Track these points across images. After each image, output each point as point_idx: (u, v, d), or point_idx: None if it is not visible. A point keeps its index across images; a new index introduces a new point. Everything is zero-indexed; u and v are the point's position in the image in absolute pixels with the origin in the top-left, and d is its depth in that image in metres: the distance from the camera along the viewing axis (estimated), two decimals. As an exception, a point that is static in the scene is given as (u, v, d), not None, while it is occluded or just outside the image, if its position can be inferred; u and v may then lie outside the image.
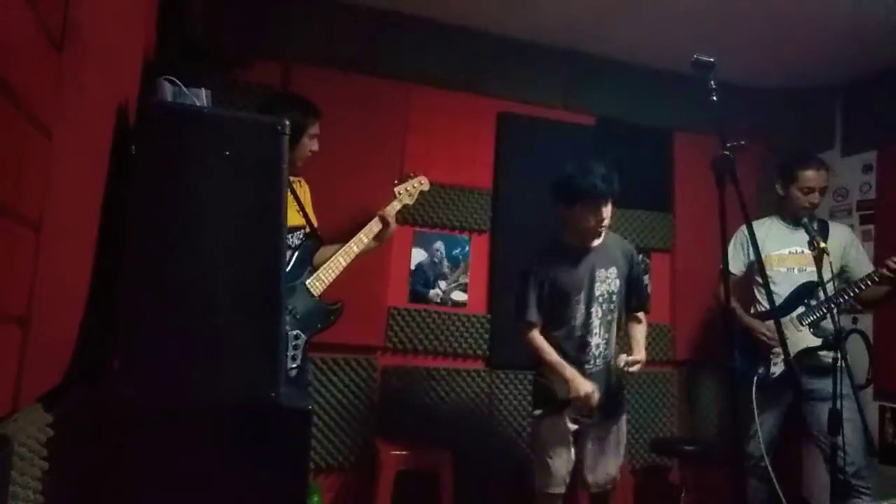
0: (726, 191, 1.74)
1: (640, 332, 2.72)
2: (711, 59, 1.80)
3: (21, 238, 0.95)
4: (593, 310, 2.56)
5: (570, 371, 2.49)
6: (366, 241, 2.63)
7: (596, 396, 2.46)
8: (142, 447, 1.39)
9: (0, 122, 0.83)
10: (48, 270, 1.05)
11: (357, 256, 2.60)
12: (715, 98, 1.79)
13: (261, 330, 1.49)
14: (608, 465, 2.64)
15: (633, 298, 2.69)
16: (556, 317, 2.59)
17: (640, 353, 2.61)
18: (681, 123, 3.92)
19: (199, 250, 1.46)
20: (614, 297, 2.60)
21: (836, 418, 2.28)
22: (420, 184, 2.90)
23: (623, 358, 2.55)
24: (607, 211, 2.52)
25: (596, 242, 2.62)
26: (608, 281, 2.59)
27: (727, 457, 3.55)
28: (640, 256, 3.12)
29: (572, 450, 2.58)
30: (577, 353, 2.55)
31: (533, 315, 2.58)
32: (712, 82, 1.79)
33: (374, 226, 2.66)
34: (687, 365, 3.91)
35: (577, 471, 2.64)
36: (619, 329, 2.68)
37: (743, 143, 1.79)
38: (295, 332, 2.38)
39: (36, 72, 0.94)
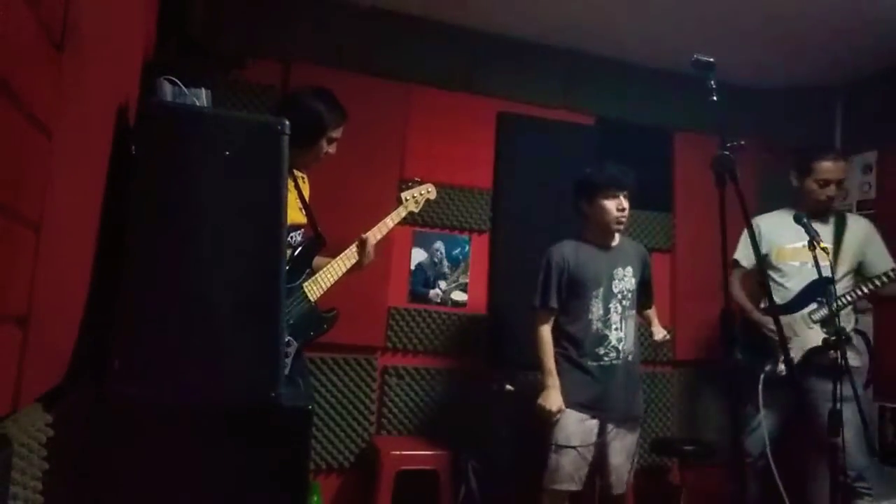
0: (726, 191, 1.74)
1: (652, 312, 2.95)
2: (711, 59, 1.80)
3: (21, 238, 0.95)
4: (612, 305, 2.64)
5: (552, 382, 2.60)
6: (376, 239, 2.53)
7: (555, 418, 2.57)
8: (142, 447, 1.39)
9: (0, 122, 0.82)
10: (48, 270, 1.05)
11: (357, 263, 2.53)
12: (715, 98, 1.79)
13: (261, 330, 1.48)
14: (629, 465, 2.67)
15: (643, 297, 2.82)
16: (572, 308, 2.65)
17: (659, 327, 2.88)
18: (681, 123, 3.93)
19: (198, 250, 1.46)
20: (631, 295, 2.70)
21: (835, 420, 2.27)
22: (427, 192, 2.84)
23: (657, 332, 2.82)
24: (626, 202, 2.65)
25: (615, 242, 2.74)
26: (625, 279, 2.69)
27: (727, 457, 3.56)
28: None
29: (590, 449, 2.59)
30: (594, 345, 2.61)
31: (554, 302, 2.66)
32: (712, 82, 1.79)
33: (351, 255, 2.49)
34: (687, 365, 3.91)
35: (599, 469, 2.66)
36: (636, 327, 2.77)
37: (743, 143, 1.79)
38: (287, 339, 2.27)
39: (36, 72, 0.94)
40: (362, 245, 2.49)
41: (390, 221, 2.64)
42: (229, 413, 1.45)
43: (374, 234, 2.56)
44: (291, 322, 2.30)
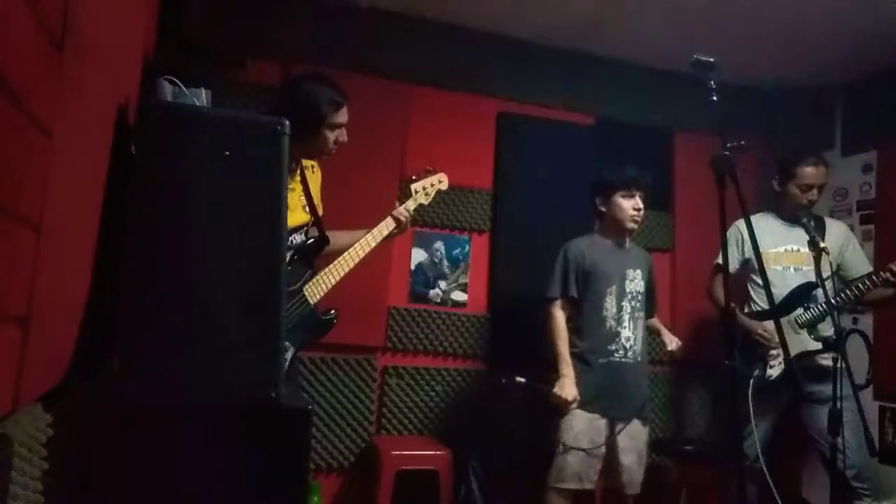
0: (726, 191, 1.74)
1: (657, 321, 2.98)
2: (711, 59, 1.80)
3: (21, 238, 0.95)
4: (624, 304, 2.68)
5: (567, 371, 2.59)
6: (374, 244, 2.47)
7: (570, 407, 2.56)
8: (142, 447, 1.39)
9: (0, 121, 0.82)
10: (48, 270, 1.05)
11: (362, 260, 2.49)
12: (715, 98, 1.79)
13: (261, 330, 1.48)
14: (641, 466, 2.68)
15: (648, 303, 2.85)
16: (586, 304, 2.68)
17: (669, 335, 2.85)
18: (681, 123, 3.93)
19: (199, 250, 1.46)
20: (641, 297, 2.73)
21: (836, 420, 2.27)
22: (439, 182, 2.77)
23: (669, 342, 2.79)
24: (641, 203, 2.71)
25: (627, 244, 2.79)
26: (636, 281, 2.74)
27: (726, 456, 3.56)
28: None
29: (601, 449, 2.59)
30: (605, 342, 2.63)
31: (573, 290, 2.68)
32: (712, 82, 1.79)
33: (385, 227, 2.50)
34: (686, 365, 3.91)
35: (612, 469, 2.65)
36: (644, 329, 2.80)
37: (743, 143, 1.79)
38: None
39: (36, 71, 0.94)
40: (396, 218, 2.53)
41: (409, 207, 2.63)
42: (229, 413, 1.45)
43: (381, 230, 2.53)
44: (289, 327, 2.24)
